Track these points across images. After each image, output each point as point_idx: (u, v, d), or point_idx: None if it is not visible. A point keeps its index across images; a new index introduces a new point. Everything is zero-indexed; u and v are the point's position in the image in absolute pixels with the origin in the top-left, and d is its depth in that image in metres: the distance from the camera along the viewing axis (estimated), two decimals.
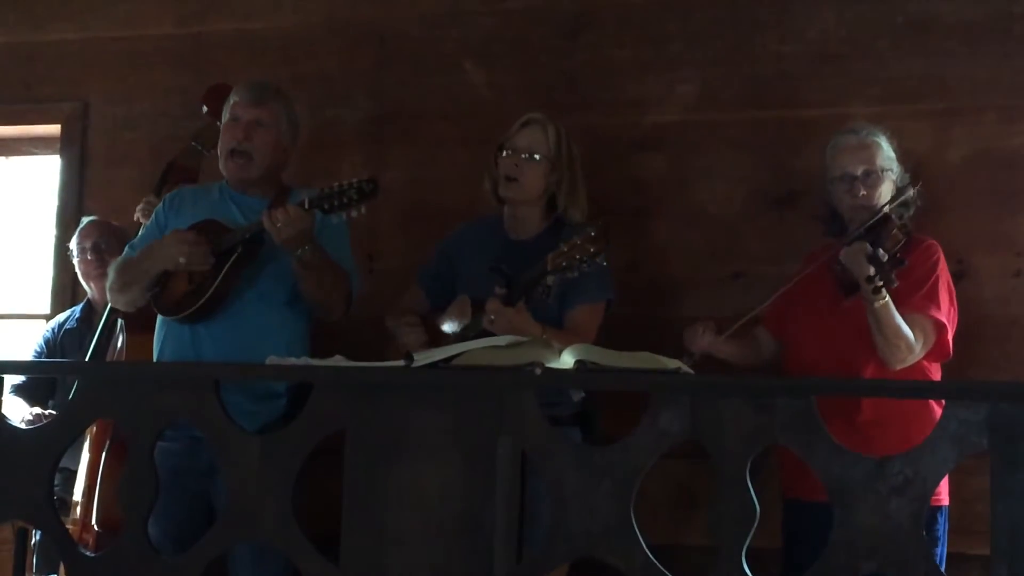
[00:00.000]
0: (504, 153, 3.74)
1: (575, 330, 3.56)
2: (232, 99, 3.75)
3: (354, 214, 3.46)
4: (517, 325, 3.37)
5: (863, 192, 3.52)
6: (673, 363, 2.81)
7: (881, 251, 3.22)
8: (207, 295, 3.58)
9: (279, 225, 3.44)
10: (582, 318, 3.63)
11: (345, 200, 3.43)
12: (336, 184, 3.46)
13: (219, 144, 3.77)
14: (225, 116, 3.76)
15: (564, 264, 3.27)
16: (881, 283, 3.19)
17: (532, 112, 3.81)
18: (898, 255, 3.26)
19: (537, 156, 3.71)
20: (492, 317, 3.37)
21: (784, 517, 3.60)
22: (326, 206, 3.45)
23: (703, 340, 3.52)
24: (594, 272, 3.44)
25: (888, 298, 3.26)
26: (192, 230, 3.62)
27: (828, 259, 3.49)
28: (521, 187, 3.72)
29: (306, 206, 3.46)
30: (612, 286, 3.68)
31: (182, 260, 3.56)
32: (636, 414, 2.64)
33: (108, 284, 3.76)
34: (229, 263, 3.58)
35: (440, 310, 3.75)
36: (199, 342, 3.61)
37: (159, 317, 3.72)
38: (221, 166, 3.76)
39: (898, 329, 3.32)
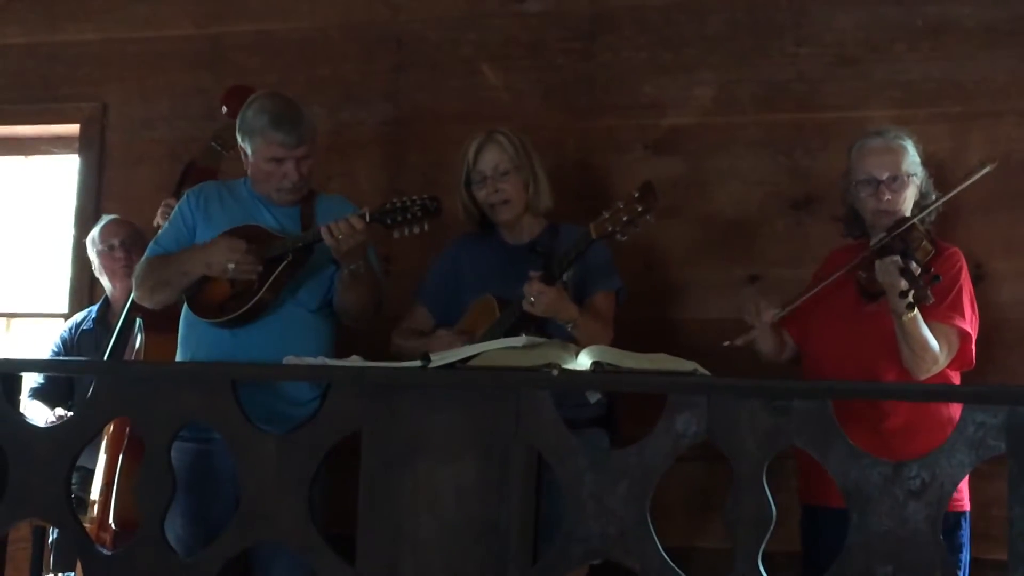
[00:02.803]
0: (476, 185, 3.75)
1: (598, 315, 3.59)
2: (264, 136, 3.61)
3: (416, 230, 3.47)
4: (558, 305, 3.40)
5: (888, 197, 3.49)
6: (690, 365, 2.80)
7: (914, 264, 3.19)
8: (253, 301, 3.55)
9: (340, 237, 3.42)
10: (602, 304, 3.66)
11: (409, 216, 3.44)
12: (399, 199, 3.47)
13: (255, 173, 3.70)
14: (256, 147, 3.64)
15: (611, 229, 3.28)
16: (914, 298, 3.16)
17: (475, 136, 3.79)
18: (931, 268, 3.23)
19: (505, 169, 3.72)
20: (533, 299, 3.37)
21: (803, 524, 3.58)
22: (388, 221, 3.45)
23: (768, 313, 3.48)
24: (604, 262, 3.48)
25: (917, 311, 3.24)
26: (240, 237, 3.58)
27: (854, 265, 3.46)
28: (510, 205, 3.74)
29: (367, 219, 3.44)
30: (619, 275, 3.70)
31: (231, 267, 3.52)
32: (653, 415, 2.64)
33: (137, 281, 3.71)
34: (278, 271, 3.56)
35: (445, 325, 3.77)
36: (240, 346, 3.56)
37: (185, 318, 3.70)
38: (269, 193, 3.69)
39: (925, 342, 3.29)
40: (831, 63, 4.20)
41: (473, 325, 3.63)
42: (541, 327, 3.39)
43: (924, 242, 3.31)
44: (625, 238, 3.34)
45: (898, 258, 3.19)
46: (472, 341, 3.46)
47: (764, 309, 3.49)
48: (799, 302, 3.49)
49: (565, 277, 3.45)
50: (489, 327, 3.53)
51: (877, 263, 3.28)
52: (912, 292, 3.14)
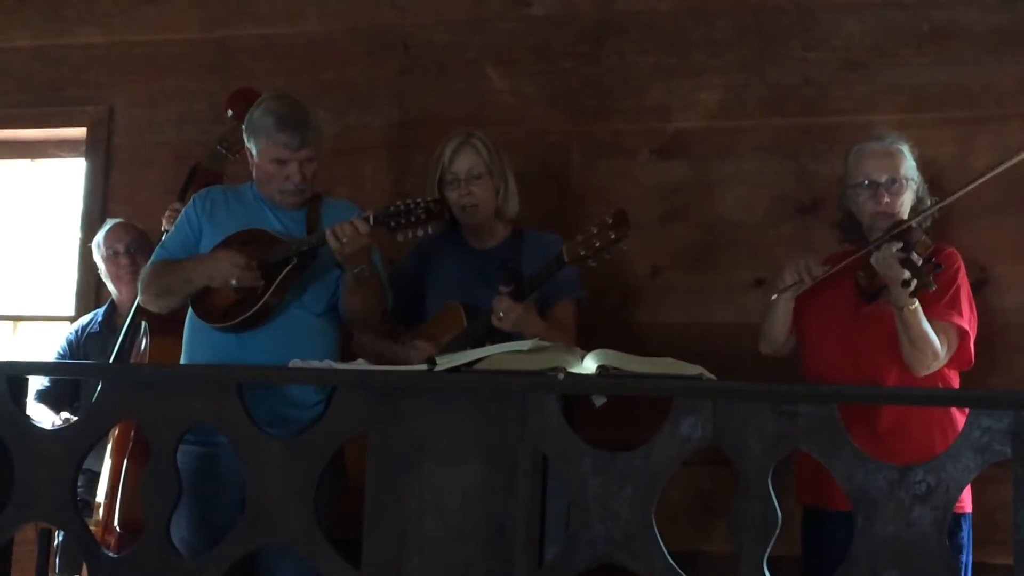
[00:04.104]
0: (449, 186, 3.75)
1: (560, 325, 3.61)
2: (268, 137, 3.61)
3: (420, 233, 3.47)
4: (526, 321, 3.41)
5: (887, 199, 3.50)
6: (695, 369, 2.80)
7: (915, 254, 3.19)
8: (258, 306, 3.55)
9: (344, 241, 3.42)
10: (565, 313, 3.68)
11: (413, 219, 3.43)
12: (403, 202, 3.46)
13: (259, 174, 3.69)
14: (260, 148, 3.64)
15: (583, 254, 3.28)
16: (917, 286, 3.16)
17: (454, 136, 3.80)
18: (932, 259, 3.23)
19: (478, 173, 3.73)
20: (502, 315, 3.38)
21: (803, 525, 3.57)
22: (392, 223, 3.44)
23: (817, 269, 3.44)
24: (567, 269, 3.45)
25: (918, 303, 3.25)
26: (242, 249, 3.57)
27: (856, 258, 3.45)
28: (479, 209, 3.75)
29: (371, 222, 3.44)
30: (581, 285, 3.71)
31: (233, 283, 3.52)
32: (652, 419, 2.64)
33: (142, 286, 3.72)
34: (282, 275, 3.56)
35: (403, 321, 3.78)
36: (245, 350, 3.57)
37: (189, 323, 3.70)
38: (274, 197, 3.69)
39: (925, 335, 3.30)
40: (838, 67, 4.20)
41: (439, 331, 3.64)
42: (508, 339, 3.38)
43: (923, 237, 3.32)
44: (596, 264, 3.34)
45: (899, 248, 3.20)
46: (438, 348, 3.48)
47: (814, 267, 3.46)
48: (835, 269, 3.47)
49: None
50: (456, 336, 3.54)
51: (876, 255, 3.28)
52: (914, 280, 3.14)
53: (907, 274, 3.16)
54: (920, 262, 3.17)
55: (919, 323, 3.28)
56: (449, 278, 3.76)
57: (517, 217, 3.83)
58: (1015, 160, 3.35)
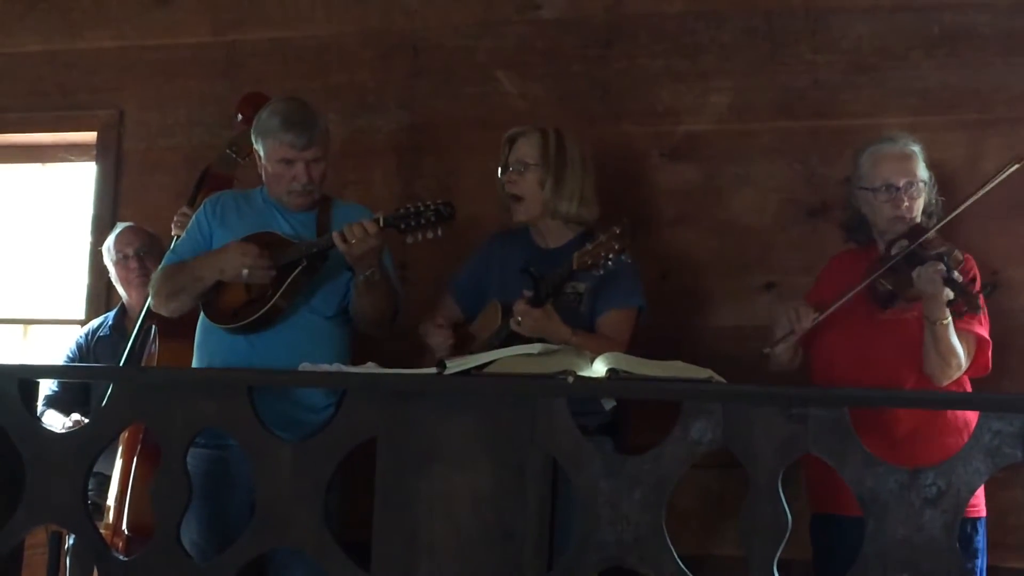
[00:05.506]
0: (504, 175, 3.78)
1: (607, 335, 3.56)
2: (275, 137, 3.63)
3: (430, 235, 3.47)
4: (545, 327, 3.38)
5: (906, 203, 3.48)
6: (705, 372, 2.80)
7: (956, 273, 3.17)
8: (267, 307, 3.55)
9: (353, 242, 3.42)
10: (613, 323, 3.62)
11: (423, 221, 3.44)
12: (413, 205, 3.47)
13: (268, 176, 3.71)
14: (267, 148, 3.66)
15: (590, 262, 3.28)
16: (965, 309, 3.14)
17: (517, 128, 3.83)
18: (975, 279, 3.21)
19: (526, 163, 3.73)
20: (519, 319, 3.37)
21: (813, 533, 3.56)
22: (402, 226, 3.45)
23: (808, 318, 3.41)
24: (624, 278, 3.45)
25: (951, 317, 3.23)
26: (253, 242, 3.59)
27: (880, 273, 3.41)
28: (524, 202, 3.74)
29: (380, 224, 3.44)
30: (642, 293, 3.68)
31: (245, 273, 3.53)
32: (666, 423, 2.64)
33: (153, 290, 3.73)
34: (292, 276, 3.56)
35: (472, 320, 3.77)
36: (256, 353, 3.57)
37: (201, 325, 3.71)
38: (282, 198, 3.70)
39: (953, 347, 3.28)
40: (847, 70, 4.20)
41: (481, 330, 3.65)
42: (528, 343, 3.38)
43: (955, 251, 3.29)
44: (602, 272, 3.33)
45: (943, 267, 3.18)
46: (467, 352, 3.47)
47: (804, 315, 3.43)
48: (835, 307, 3.44)
49: (581, 289, 3.44)
50: (487, 337, 3.54)
51: (919, 271, 3.23)
52: (960, 301, 3.13)
53: (951, 294, 3.14)
54: (961, 280, 3.15)
55: (949, 337, 3.26)
56: (508, 275, 3.71)
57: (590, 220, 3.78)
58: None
